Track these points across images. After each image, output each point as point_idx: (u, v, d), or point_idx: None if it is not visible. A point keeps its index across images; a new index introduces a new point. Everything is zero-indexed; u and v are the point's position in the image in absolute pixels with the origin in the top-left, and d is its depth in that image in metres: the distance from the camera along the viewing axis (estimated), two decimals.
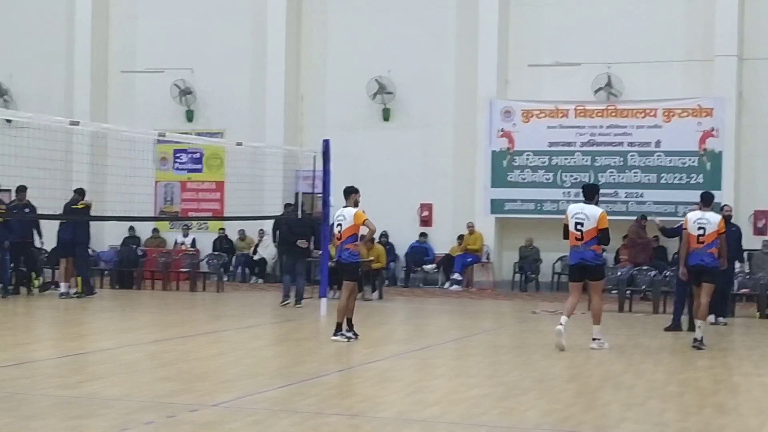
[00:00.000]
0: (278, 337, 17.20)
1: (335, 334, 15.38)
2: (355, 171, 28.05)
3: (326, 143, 20.26)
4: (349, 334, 15.45)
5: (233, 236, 29.47)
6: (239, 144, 21.46)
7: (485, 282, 27.05)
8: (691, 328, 16.55)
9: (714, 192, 24.35)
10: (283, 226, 23.04)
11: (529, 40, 27.50)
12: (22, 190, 22.68)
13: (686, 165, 25.77)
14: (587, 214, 15.07)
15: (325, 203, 20.50)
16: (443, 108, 28.16)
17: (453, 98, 28.17)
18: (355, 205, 15.51)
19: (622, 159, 26.29)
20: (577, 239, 15.14)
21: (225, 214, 29.02)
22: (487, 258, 27.18)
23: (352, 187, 15.79)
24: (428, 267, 27.88)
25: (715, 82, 25.68)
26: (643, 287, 22.33)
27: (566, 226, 15.31)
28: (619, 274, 22.59)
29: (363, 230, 15.48)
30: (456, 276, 26.91)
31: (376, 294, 23.63)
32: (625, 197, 26.19)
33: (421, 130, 28.28)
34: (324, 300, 19.77)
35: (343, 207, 15.55)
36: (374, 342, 15.97)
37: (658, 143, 26.02)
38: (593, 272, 15.22)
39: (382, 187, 28.35)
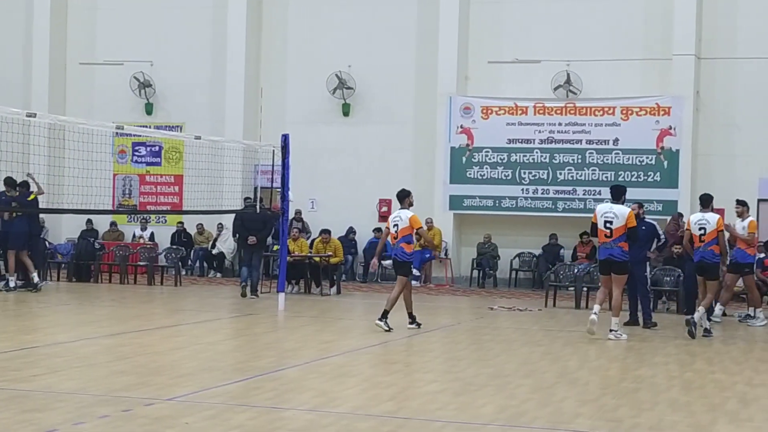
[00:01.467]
0: (236, 331, 17.18)
1: (379, 319, 16.31)
2: (315, 166, 28.16)
3: (285, 138, 20.26)
4: (416, 323, 16.79)
5: (192, 230, 29.38)
6: (198, 138, 21.39)
7: (443, 278, 27.13)
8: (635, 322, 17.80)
9: (671, 190, 24.86)
10: (237, 221, 23.18)
11: (489, 36, 27.59)
12: None
13: (644, 163, 25.95)
14: (616, 213, 16.18)
15: (284, 198, 20.49)
16: (403, 104, 28.21)
17: (413, 94, 28.22)
18: (410, 206, 16.78)
19: (580, 156, 26.44)
20: (606, 236, 16.21)
21: (184, 208, 28.90)
22: (446, 254, 27.25)
23: (405, 190, 17.12)
24: (386, 262, 27.81)
25: (673, 81, 25.87)
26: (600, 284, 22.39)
27: (595, 225, 16.49)
28: (576, 270, 22.71)
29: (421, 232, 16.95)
30: (414, 272, 26.88)
31: (333, 289, 23.63)
32: (583, 195, 26.34)
33: (380, 126, 28.32)
34: (282, 294, 19.79)
35: (400, 209, 16.81)
36: (331, 337, 16.00)
37: (616, 141, 26.19)
38: (619, 267, 16.23)
39: (342, 183, 28.42)
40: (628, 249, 16.36)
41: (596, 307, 16.13)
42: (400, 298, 16.67)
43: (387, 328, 16.16)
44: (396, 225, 16.63)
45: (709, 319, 17.60)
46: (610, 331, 15.96)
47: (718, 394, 11.23)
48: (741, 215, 18.57)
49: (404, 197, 16.89)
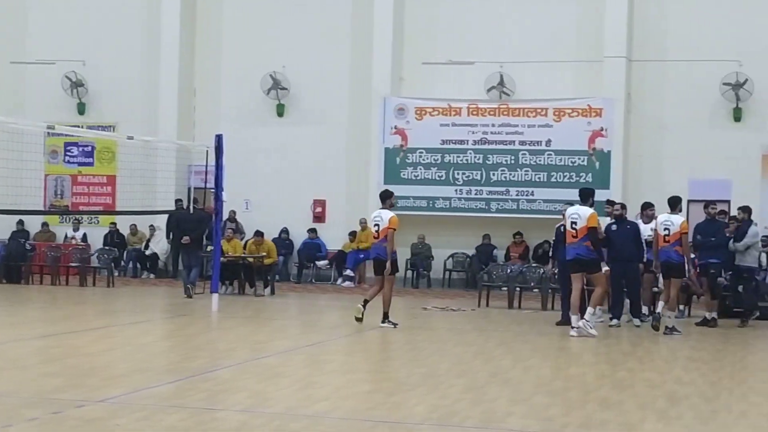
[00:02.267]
0: (169, 332, 17.08)
1: (383, 322, 16.98)
2: (249, 166, 28.05)
3: (219, 138, 20.18)
4: (394, 322, 17.15)
5: (125, 231, 29.13)
6: (130, 138, 21.23)
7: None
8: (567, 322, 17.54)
9: (602, 191, 25.04)
10: (172, 221, 23.13)
11: (423, 38, 27.68)
12: None
13: (576, 164, 26.18)
14: (580, 214, 16.78)
15: (218, 198, 20.40)
16: (337, 104, 28.21)
17: (347, 95, 28.23)
18: (391, 207, 17.33)
19: (513, 157, 26.61)
20: (572, 237, 16.85)
21: (116, 209, 28.67)
22: None
23: (388, 191, 17.82)
24: (321, 263, 27.92)
25: (605, 82, 26.11)
26: (533, 284, 22.61)
27: (564, 227, 17.35)
28: (509, 271, 22.86)
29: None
30: (348, 272, 26.98)
31: (268, 290, 23.58)
32: (516, 195, 26.52)
33: (315, 126, 28.28)
34: (215, 295, 19.69)
35: (380, 209, 17.33)
36: (264, 338, 15.98)
37: (548, 142, 26.39)
38: (590, 265, 16.77)
39: (276, 183, 28.34)
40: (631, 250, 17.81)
41: (589, 310, 16.66)
42: (378, 294, 17.32)
43: (393, 325, 16.96)
44: (377, 225, 17.16)
45: (639, 319, 17.92)
46: (582, 319, 16.45)
47: (648, 392, 11.37)
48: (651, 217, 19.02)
49: (386, 198, 17.50)
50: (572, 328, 16.49)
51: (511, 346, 15.33)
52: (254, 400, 10.19)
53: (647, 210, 19.32)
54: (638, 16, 26.40)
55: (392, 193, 17.79)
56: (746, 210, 19.34)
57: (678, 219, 17.47)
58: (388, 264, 17.09)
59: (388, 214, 17.12)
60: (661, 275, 18.06)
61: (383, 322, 17.04)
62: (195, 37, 29.35)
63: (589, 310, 16.68)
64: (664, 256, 17.47)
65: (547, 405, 10.40)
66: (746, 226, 18.83)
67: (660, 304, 17.34)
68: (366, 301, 17.25)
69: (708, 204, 19.28)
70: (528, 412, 9.97)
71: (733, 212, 20.71)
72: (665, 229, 17.45)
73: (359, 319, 17.02)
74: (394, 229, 17.12)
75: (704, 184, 25.03)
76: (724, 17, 25.84)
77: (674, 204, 17.69)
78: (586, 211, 16.82)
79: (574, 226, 16.83)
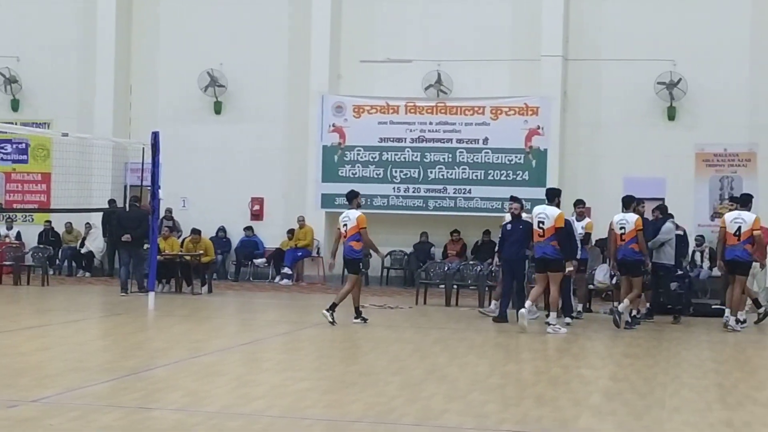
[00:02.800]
0: (104, 331, 16.93)
1: (327, 310, 17.28)
2: (186, 164, 27.91)
3: (155, 135, 20.07)
4: (362, 318, 17.66)
5: (60, 229, 28.84)
6: (65, 134, 21.04)
7: (315, 276, 27.14)
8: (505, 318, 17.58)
9: (539, 189, 25.23)
10: (113, 220, 22.98)
11: (361, 36, 27.69)
12: None
13: (513, 162, 26.32)
14: (547, 214, 17.11)
15: (154, 196, 20.28)
16: (275, 102, 28.13)
17: (285, 92, 28.17)
18: (358, 207, 17.80)
19: (451, 155, 26.69)
20: (539, 236, 17.16)
21: (51, 206, 28.36)
22: (318, 252, 27.27)
23: (354, 191, 18.21)
24: (258, 261, 27.84)
25: (541, 81, 26.26)
26: (469, 281, 22.70)
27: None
28: (446, 268, 22.94)
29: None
30: (286, 270, 26.93)
31: (205, 288, 23.45)
32: (454, 193, 26.60)
33: (252, 124, 28.18)
34: (152, 294, 19.58)
35: (348, 209, 17.72)
36: (201, 336, 15.90)
37: (485, 140, 26.50)
38: (554, 265, 17.02)
39: (214, 181, 28.21)
40: (519, 248, 18.09)
41: (527, 303, 16.99)
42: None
43: (331, 320, 17.01)
44: (345, 224, 17.53)
45: (572, 318, 18.09)
46: (548, 324, 16.72)
47: (583, 388, 11.48)
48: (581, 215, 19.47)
49: (353, 198, 17.88)
50: (548, 325, 16.81)
51: (448, 343, 15.39)
52: (190, 399, 10.15)
53: (578, 207, 19.54)
54: (574, 16, 26.59)
55: (358, 193, 18.27)
56: (660, 208, 19.60)
57: (633, 217, 17.93)
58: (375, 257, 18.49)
59: (355, 214, 17.50)
60: (617, 273, 18.59)
61: (327, 310, 17.30)
62: (131, 33, 29.10)
63: (552, 314, 16.97)
64: (621, 255, 17.98)
65: (484, 402, 10.46)
66: (660, 224, 19.03)
67: (625, 302, 17.63)
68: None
69: (637, 201, 19.46)
70: (464, 409, 10.02)
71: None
72: (621, 227, 17.95)
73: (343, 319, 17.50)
74: (365, 228, 17.46)
75: (639, 182, 25.23)
76: (658, 17, 26.13)
77: (628, 203, 18.17)
78: (553, 211, 17.16)
79: (541, 225, 17.15)
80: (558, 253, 17.04)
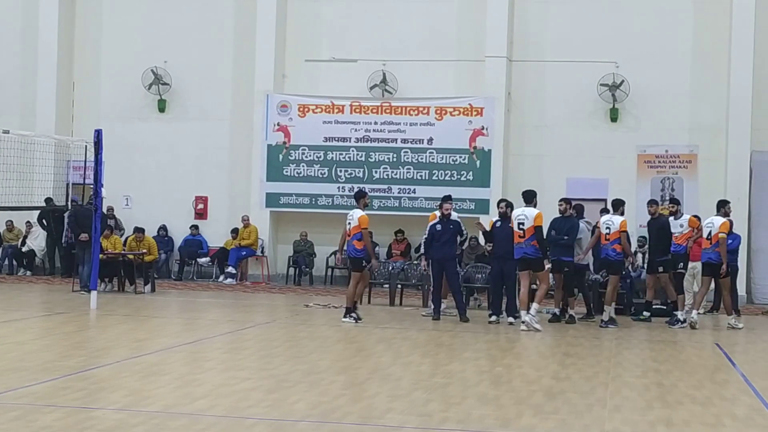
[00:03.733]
0: (45, 330, 16.75)
1: (345, 317, 17.87)
2: (130, 162, 27.73)
3: (98, 133, 19.92)
4: (354, 315, 17.91)
5: (0, 227, 28.52)
6: (6, 132, 20.78)
7: (259, 275, 27.06)
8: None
9: (483, 189, 25.42)
10: (71, 218, 22.92)
11: (306, 35, 27.65)
12: None
13: (457, 162, 26.41)
14: (527, 215, 17.74)
15: (97, 194, 20.13)
16: (220, 101, 28.02)
17: (230, 91, 28.06)
18: (365, 207, 18.24)
19: (395, 155, 26.73)
20: (519, 237, 17.78)
21: None
22: (262, 252, 27.20)
23: (361, 191, 18.80)
24: (202, 260, 27.71)
25: (486, 82, 26.35)
26: (414, 281, 22.75)
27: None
28: (390, 268, 22.97)
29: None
30: (230, 269, 26.82)
31: (148, 287, 23.31)
32: (398, 193, 26.63)
33: (197, 123, 28.05)
34: (94, 293, 19.42)
35: (355, 208, 18.17)
36: (144, 335, 15.81)
37: (430, 140, 26.57)
38: (536, 264, 17.68)
39: (157, 179, 28.05)
40: (450, 248, 18.77)
41: (534, 305, 17.48)
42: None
43: (356, 320, 17.76)
44: (349, 224, 17.99)
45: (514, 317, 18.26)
46: (528, 314, 17.31)
47: (525, 387, 11.56)
48: (673, 214, 19.78)
49: (359, 198, 18.37)
50: (522, 322, 17.35)
51: (392, 342, 15.43)
52: (132, 399, 10.09)
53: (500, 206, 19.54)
54: (519, 17, 26.73)
55: (365, 193, 18.75)
56: (576, 208, 19.92)
57: (618, 219, 18.61)
58: (372, 261, 18.39)
59: (358, 214, 17.95)
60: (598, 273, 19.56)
61: (345, 316, 17.87)
62: (74, 29, 28.83)
63: (534, 305, 17.46)
64: (603, 254, 18.75)
65: (426, 401, 10.51)
66: (575, 221, 19.34)
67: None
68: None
69: (563, 201, 19.75)
70: (407, 408, 10.06)
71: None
72: (606, 228, 18.60)
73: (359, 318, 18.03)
74: (365, 228, 17.88)
75: (581, 183, 25.50)
76: (601, 19, 26.34)
77: (616, 205, 18.94)
78: (532, 212, 17.77)
79: (521, 226, 17.75)
80: (538, 252, 17.65)
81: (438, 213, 19.40)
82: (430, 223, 19.33)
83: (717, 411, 10.50)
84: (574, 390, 11.47)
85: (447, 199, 19.42)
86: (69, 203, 22.67)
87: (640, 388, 11.76)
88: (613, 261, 18.65)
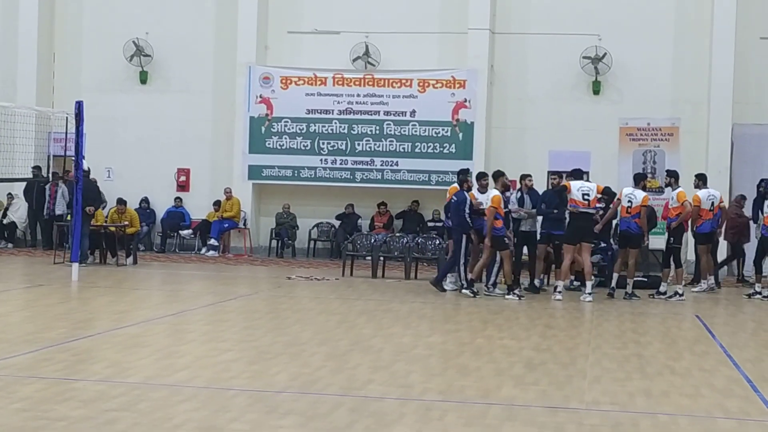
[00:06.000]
0: (26, 302, 16.74)
1: (508, 293, 18.09)
2: (112, 134, 27.62)
3: (79, 105, 19.84)
4: (517, 293, 18.16)
5: None
6: None
7: (242, 248, 27.06)
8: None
9: (465, 162, 25.37)
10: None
11: (289, 6, 27.54)
12: None
13: (440, 135, 26.40)
14: (636, 195, 18.66)
15: (78, 166, 20.06)
16: (202, 72, 27.91)
17: (212, 63, 27.95)
18: (504, 187, 18.70)
19: (378, 128, 26.69)
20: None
21: None
22: (244, 224, 27.18)
23: (500, 171, 19.15)
24: (185, 232, 27.67)
25: (469, 54, 26.33)
26: (396, 253, 22.79)
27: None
28: (373, 240, 23.00)
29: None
30: (212, 242, 26.80)
31: (130, 259, 23.28)
32: (381, 165, 26.62)
33: (179, 94, 27.95)
34: (75, 265, 19.37)
35: (492, 188, 18.47)
36: (126, 307, 15.81)
37: (413, 113, 26.53)
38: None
39: (139, 151, 27.95)
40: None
41: (560, 284, 18.44)
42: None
43: (519, 297, 17.99)
44: (481, 202, 18.32)
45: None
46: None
47: (506, 359, 11.61)
48: (669, 185, 19.77)
49: (498, 177, 18.80)
50: (558, 292, 18.13)
51: (373, 314, 15.46)
52: (113, 370, 10.10)
53: (482, 180, 19.45)
54: None
55: (503, 173, 19.09)
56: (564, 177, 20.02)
57: (641, 193, 18.83)
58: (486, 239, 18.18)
59: (492, 194, 18.21)
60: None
61: (509, 293, 18.10)
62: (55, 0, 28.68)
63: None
64: (624, 226, 18.91)
65: (408, 372, 10.55)
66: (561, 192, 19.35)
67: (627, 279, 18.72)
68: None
69: (552, 174, 19.84)
70: (388, 380, 10.10)
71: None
72: (628, 201, 18.78)
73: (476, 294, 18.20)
74: (494, 207, 18.03)
75: (564, 156, 25.50)
76: None
77: (638, 179, 19.24)
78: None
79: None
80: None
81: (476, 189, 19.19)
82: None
83: (696, 382, 10.57)
84: (554, 361, 11.53)
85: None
86: (51, 175, 22.56)
87: (620, 360, 11.82)
88: (634, 234, 18.81)
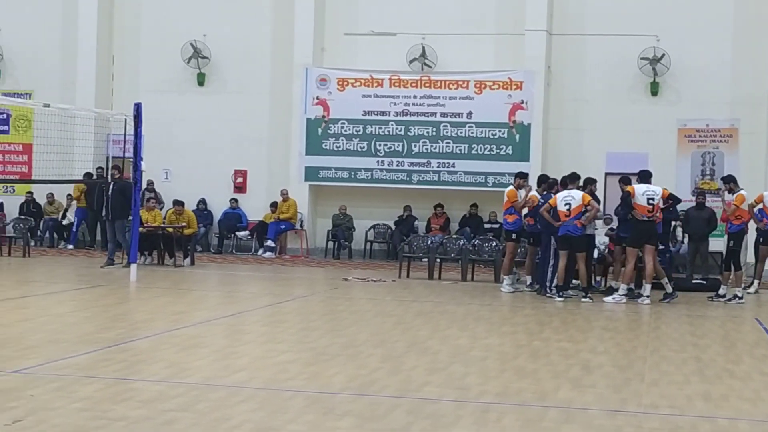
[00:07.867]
0: (85, 302, 16.88)
1: (585, 297, 18.12)
2: (169, 135, 27.83)
3: (138, 106, 20.00)
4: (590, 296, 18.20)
5: (41, 200, 28.75)
6: (47, 105, 20.94)
7: (298, 249, 27.14)
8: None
9: (522, 163, 25.28)
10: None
11: (345, 8, 27.60)
12: None
13: (496, 136, 26.33)
14: (574, 196, 18.33)
15: (137, 168, 20.22)
16: (259, 74, 28.04)
17: (269, 64, 28.08)
18: (591, 193, 18.94)
19: (434, 129, 26.68)
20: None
21: (33, 177, 28.24)
22: (301, 225, 27.27)
23: (591, 178, 19.57)
24: (242, 234, 27.81)
25: (525, 55, 26.24)
26: (452, 255, 22.74)
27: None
28: (429, 242, 22.98)
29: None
30: (269, 243, 26.91)
31: (187, 260, 23.44)
32: (438, 167, 26.60)
33: (236, 96, 28.11)
34: (133, 266, 19.53)
35: (574, 189, 18.56)
36: (184, 308, 15.90)
37: (469, 114, 26.50)
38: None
39: (196, 153, 28.13)
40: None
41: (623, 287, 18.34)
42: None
43: (590, 299, 17.99)
44: (569, 204, 18.28)
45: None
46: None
47: (563, 361, 11.53)
48: (730, 191, 19.31)
49: (589, 183, 19.31)
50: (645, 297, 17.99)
51: (430, 316, 15.43)
52: (172, 371, 10.15)
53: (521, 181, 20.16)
54: None
55: (594, 180, 19.79)
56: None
57: (578, 194, 18.42)
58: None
59: (580, 194, 18.41)
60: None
61: (585, 296, 18.14)
62: (114, 3, 28.94)
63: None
64: (563, 231, 18.33)
65: (464, 374, 10.51)
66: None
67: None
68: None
69: (622, 178, 19.58)
70: (445, 381, 10.06)
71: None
72: (566, 204, 18.33)
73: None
74: (596, 207, 18.68)
75: (621, 157, 25.34)
76: None
77: (573, 179, 18.90)
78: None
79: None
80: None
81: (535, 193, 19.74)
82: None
83: (756, 386, 10.44)
84: (612, 364, 11.44)
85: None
86: (110, 177, 22.74)
87: (678, 363, 11.70)
88: (575, 237, 18.33)
